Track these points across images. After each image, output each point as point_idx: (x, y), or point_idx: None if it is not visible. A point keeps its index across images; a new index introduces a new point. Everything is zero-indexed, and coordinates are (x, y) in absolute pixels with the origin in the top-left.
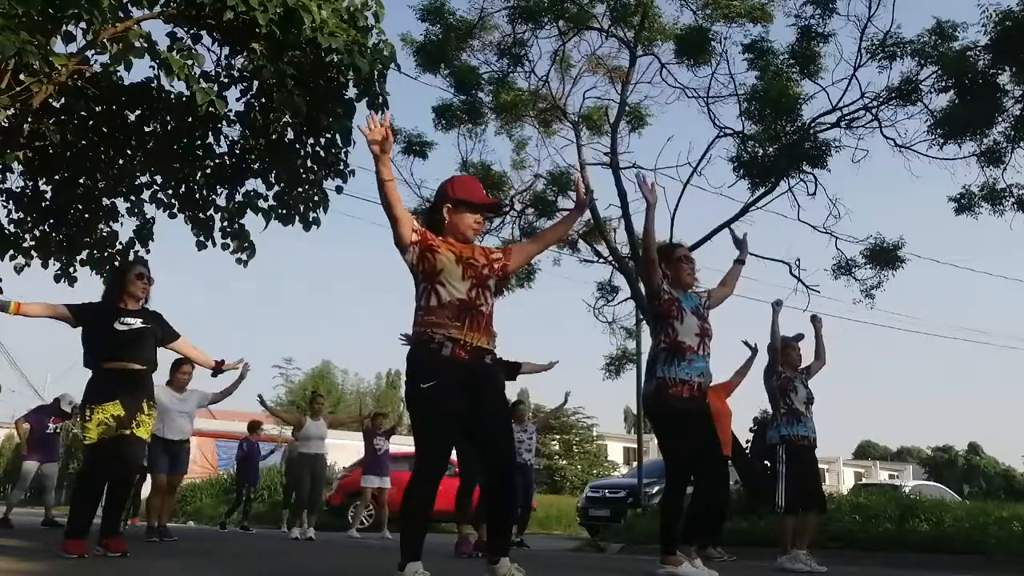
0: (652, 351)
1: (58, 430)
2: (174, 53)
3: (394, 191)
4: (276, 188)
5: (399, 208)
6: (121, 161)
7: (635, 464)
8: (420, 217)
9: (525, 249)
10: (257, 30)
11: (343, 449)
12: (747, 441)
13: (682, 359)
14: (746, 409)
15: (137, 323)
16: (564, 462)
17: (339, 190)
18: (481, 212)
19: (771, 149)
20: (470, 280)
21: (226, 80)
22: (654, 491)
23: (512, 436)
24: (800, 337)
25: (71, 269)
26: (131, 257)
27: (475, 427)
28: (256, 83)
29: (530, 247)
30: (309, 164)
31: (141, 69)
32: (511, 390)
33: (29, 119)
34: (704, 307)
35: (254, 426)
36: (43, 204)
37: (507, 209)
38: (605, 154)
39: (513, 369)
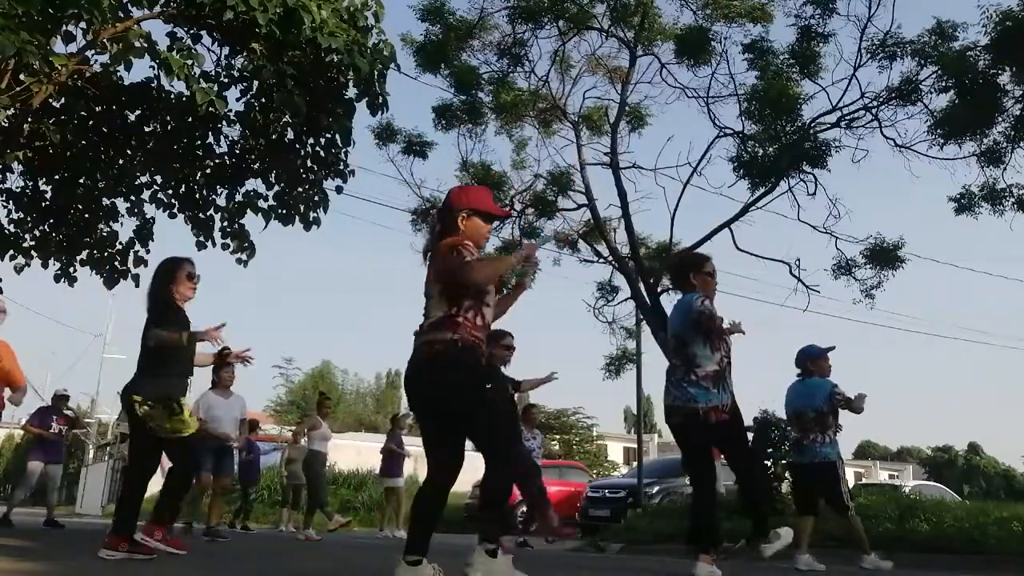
0: (707, 369)
1: (63, 431)
2: (174, 53)
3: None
4: (276, 188)
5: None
6: (121, 161)
7: (635, 464)
8: (434, 221)
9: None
10: (257, 30)
11: (344, 450)
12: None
13: (722, 384)
14: (747, 409)
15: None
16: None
17: (339, 190)
18: (494, 222)
19: (771, 149)
20: (492, 305)
21: (226, 80)
22: (654, 491)
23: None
24: (832, 348)
25: (71, 269)
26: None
27: None
28: (256, 83)
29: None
30: (309, 164)
31: (141, 69)
32: None
33: (29, 119)
34: None
35: (252, 425)
36: (43, 204)
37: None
38: (605, 154)
39: (515, 385)
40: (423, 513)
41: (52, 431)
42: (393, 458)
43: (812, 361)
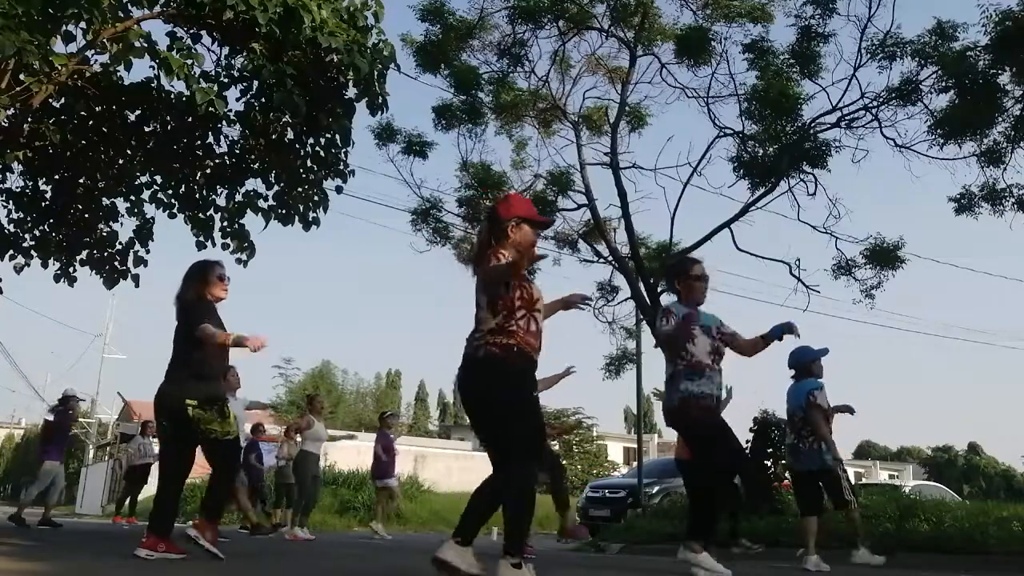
0: (671, 369)
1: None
2: (174, 53)
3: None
4: (276, 188)
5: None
6: (121, 161)
7: (635, 464)
8: (482, 233)
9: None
10: (257, 30)
11: (344, 450)
12: (747, 441)
13: (701, 376)
14: (747, 409)
15: None
16: (564, 462)
17: (339, 190)
18: (541, 229)
19: (771, 149)
20: (542, 311)
21: (226, 80)
22: (654, 491)
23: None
24: (825, 351)
25: (71, 269)
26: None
27: None
28: (256, 83)
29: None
30: (309, 164)
31: (141, 69)
32: None
33: (29, 119)
34: (716, 331)
35: (256, 428)
36: (43, 204)
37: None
38: (605, 154)
39: None
40: (516, 512)
41: (69, 431)
42: (384, 459)
43: (810, 364)
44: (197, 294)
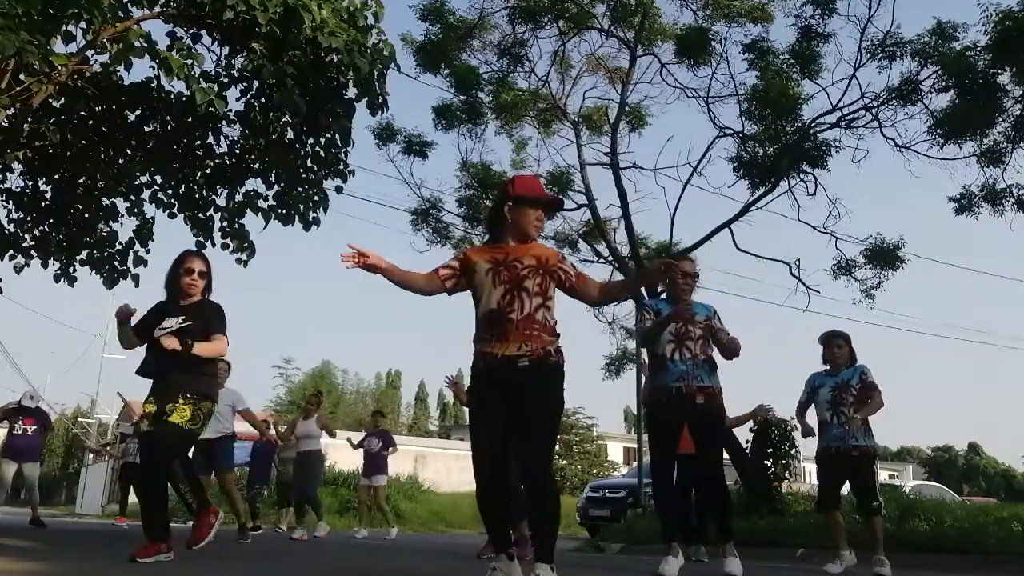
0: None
1: (29, 431)
2: (174, 53)
3: (401, 275)
4: (276, 188)
5: (413, 282)
6: (121, 161)
7: (635, 464)
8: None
9: (595, 287)
10: (257, 29)
11: (344, 449)
12: (747, 441)
13: (662, 368)
14: (746, 409)
15: (175, 324)
16: (564, 462)
17: (339, 190)
18: (542, 208)
19: (771, 149)
20: (503, 286)
21: (226, 80)
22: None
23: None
24: (821, 335)
25: (71, 269)
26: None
27: (512, 431)
28: (256, 83)
29: (594, 290)
30: (309, 164)
31: (141, 69)
32: None
33: (29, 119)
34: (702, 322)
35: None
36: (43, 204)
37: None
38: (605, 154)
39: None
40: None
41: (16, 431)
42: (377, 456)
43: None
44: (168, 295)
